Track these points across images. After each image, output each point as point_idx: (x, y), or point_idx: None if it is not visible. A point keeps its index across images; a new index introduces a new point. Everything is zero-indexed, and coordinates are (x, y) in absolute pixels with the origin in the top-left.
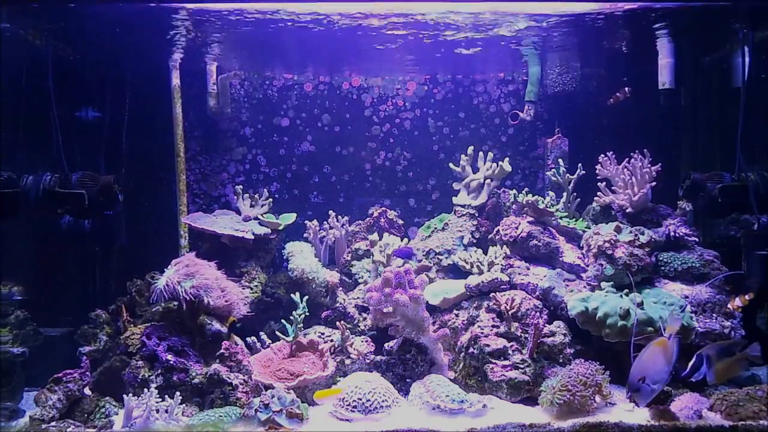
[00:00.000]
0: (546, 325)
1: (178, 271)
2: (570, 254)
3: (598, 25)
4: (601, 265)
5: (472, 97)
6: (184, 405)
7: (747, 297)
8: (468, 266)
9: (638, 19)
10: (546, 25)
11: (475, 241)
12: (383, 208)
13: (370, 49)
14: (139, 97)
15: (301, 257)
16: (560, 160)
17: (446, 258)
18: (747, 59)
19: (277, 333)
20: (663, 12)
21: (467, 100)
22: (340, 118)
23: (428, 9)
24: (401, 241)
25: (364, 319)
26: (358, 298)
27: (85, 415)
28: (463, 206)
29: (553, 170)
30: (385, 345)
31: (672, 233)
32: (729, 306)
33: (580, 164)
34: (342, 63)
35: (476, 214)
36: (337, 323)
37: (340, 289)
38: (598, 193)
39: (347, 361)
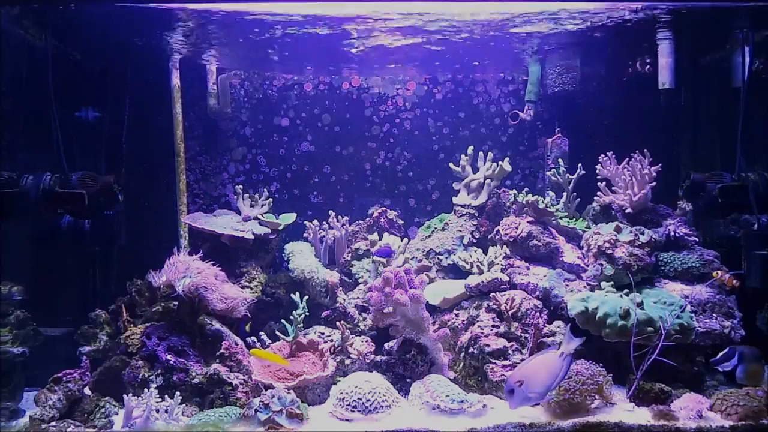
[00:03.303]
0: (546, 325)
1: (176, 270)
2: (570, 254)
3: (600, 27)
4: (601, 265)
5: (472, 97)
6: (184, 405)
7: (735, 281)
8: (468, 266)
9: (640, 21)
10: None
11: (475, 241)
12: (383, 208)
13: (372, 48)
14: (139, 97)
15: (301, 257)
16: (560, 160)
17: (446, 258)
18: (747, 59)
19: (277, 333)
20: (664, 12)
21: (467, 100)
22: (340, 118)
23: (430, 8)
24: (401, 240)
25: (364, 319)
26: (358, 298)
27: (85, 415)
28: (463, 206)
29: (553, 170)
30: (385, 345)
31: (672, 233)
32: (715, 273)
33: (580, 164)
34: (341, 62)
35: (476, 214)
36: (337, 323)
37: (340, 289)
38: (598, 193)
39: (347, 361)
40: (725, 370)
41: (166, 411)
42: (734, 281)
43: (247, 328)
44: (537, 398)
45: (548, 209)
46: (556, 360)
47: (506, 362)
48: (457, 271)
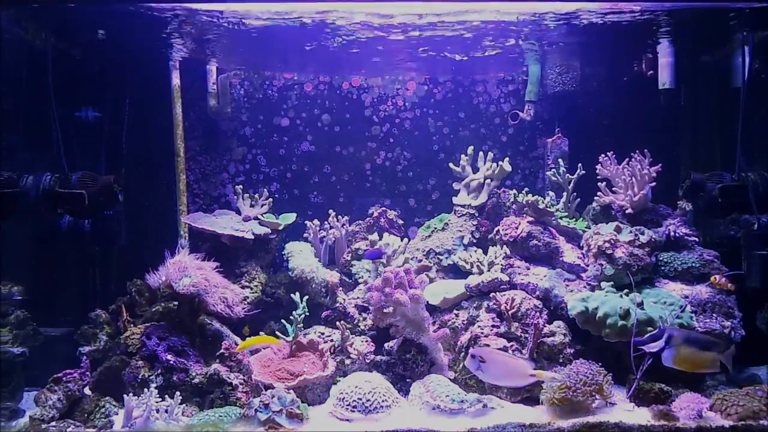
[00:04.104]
0: (546, 325)
1: (176, 269)
2: (570, 254)
3: (599, 26)
4: (601, 265)
5: (472, 97)
6: (184, 405)
7: (729, 285)
8: (468, 266)
9: (640, 21)
10: (549, 24)
11: (475, 241)
12: (383, 208)
13: (370, 49)
14: (139, 97)
15: (301, 257)
16: (560, 160)
17: (446, 258)
18: (747, 59)
19: (277, 333)
20: (664, 13)
21: (467, 100)
22: (340, 118)
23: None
24: (401, 240)
25: (364, 319)
26: (358, 298)
27: (85, 415)
28: (463, 206)
29: (553, 170)
30: (385, 345)
31: (672, 233)
32: (714, 277)
33: (580, 164)
34: (341, 63)
35: (476, 214)
36: (337, 323)
37: (340, 289)
38: (598, 193)
39: (347, 361)
40: (651, 351)
41: (166, 411)
42: (729, 284)
43: (245, 331)
44: (482, 377)
45: (548, 209)
46: (525, 374)
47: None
48: (457, 271)
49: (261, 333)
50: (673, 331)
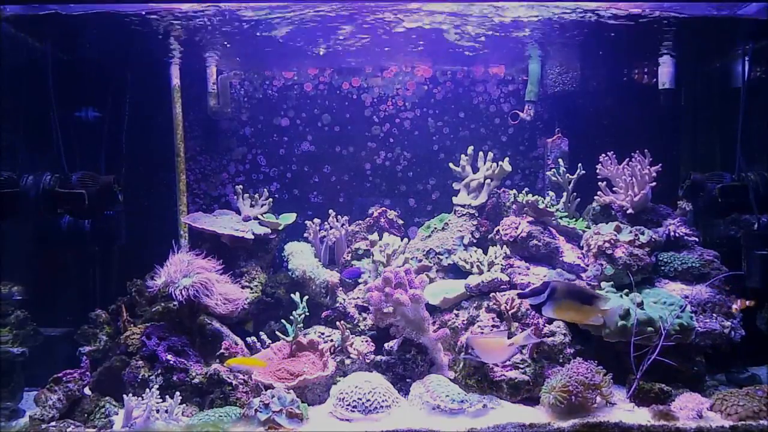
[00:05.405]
0: (546, 325)
1: (176, 270)
2: (570, 254)
3: (600, 26)
4: (601, 264)
5: (472, 97)
6: (184, 405)
7: (748, 303)
8: (468, 266)
9: (641, 22)
10: (550, 16)
11: (475, 241)
12: (383, 208)
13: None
14: (139, 97)
15: (301, 257)
16: (560, 160)
17: (446, 258)
18: (747, 59)
19: (277, 333)
20: (666, 17)
21: (467, 100)
22: (340, 118)
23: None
24: (401, 240)
25: (364, 319)
26: (358, 298)
27: (85, 415)
28: (463, 206)
29: (553, 170)
30: (385, 345)
31: (672, 233)
32: (733, 307)
33: (580, 164)
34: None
35: (476, 214)
36: (337, 323)
37: (340, 289)
38: (598, 193)
39: (347, 361)
40: (533, 304)
41: (166, 411)
42: (748, 302)
43: (248, 327)
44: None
45: (548, 209)
46: (504, 348)
47: (507, 362)
48: (457, 271)
49: (261, 333)
50: (556, 283)
